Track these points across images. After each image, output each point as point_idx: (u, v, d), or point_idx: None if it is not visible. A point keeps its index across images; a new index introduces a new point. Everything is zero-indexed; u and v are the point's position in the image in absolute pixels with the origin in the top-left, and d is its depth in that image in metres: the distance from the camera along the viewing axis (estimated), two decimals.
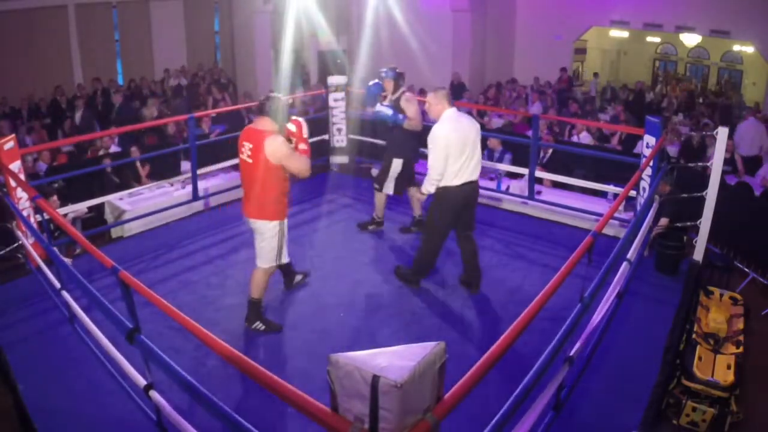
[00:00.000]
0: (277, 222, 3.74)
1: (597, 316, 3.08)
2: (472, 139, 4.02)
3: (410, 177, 5.22)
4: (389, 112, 4.99)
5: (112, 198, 6.03)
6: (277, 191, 3.67)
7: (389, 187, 5.15)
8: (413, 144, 5.18)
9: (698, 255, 4.61)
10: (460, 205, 4.12)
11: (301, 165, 3.64)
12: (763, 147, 8.47)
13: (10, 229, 4.70)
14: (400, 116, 4.97)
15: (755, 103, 11.08)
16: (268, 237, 3.76)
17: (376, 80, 5.22)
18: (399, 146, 5.12)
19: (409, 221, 5.52)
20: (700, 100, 13.04)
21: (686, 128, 9.87)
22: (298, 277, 4.48)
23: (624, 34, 14.67)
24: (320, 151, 7.16)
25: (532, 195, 5.85)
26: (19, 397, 3.15)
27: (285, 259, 3.91)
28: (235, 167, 6.94)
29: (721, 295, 4.52)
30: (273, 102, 3.59)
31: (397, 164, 5.10)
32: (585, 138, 8.27)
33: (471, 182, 4.11)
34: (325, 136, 6.93)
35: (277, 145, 3.53)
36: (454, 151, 3.94)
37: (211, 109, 10.06)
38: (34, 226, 4.27)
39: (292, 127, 3.77)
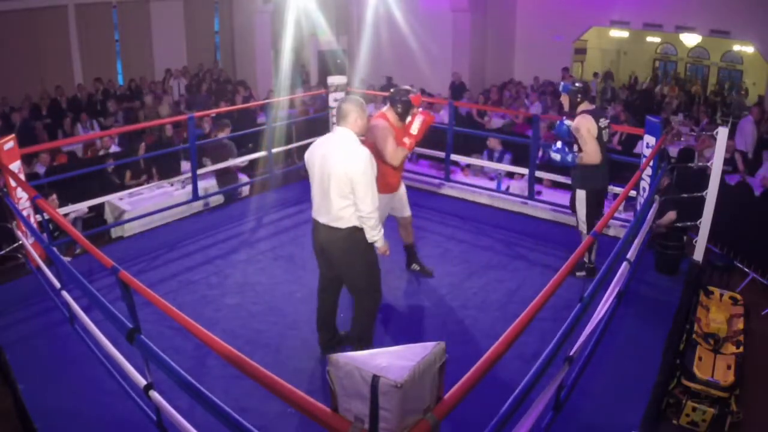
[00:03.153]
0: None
1: (597, 316, 3.08)
2: (326, 172, 3.12)
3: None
4: (558, 157, 4.33)
5: (112, 198, 6.03)
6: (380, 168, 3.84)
7: (582, 227, 4.46)
8: (597, 173, 4.36)
9: (698, 255, 4.61)
10: (316, 246, 3.38)
11: (389, 152, 3.85)
12: (748, 144, 8.68)
13: (10, 229, 4.70)
14: (569, 156, 4.28)
15: (756, 103, 11.07)
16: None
17: (564, 119, 4.34)
18: (578, 176, 4.47)
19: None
20: (699, 100, 13.04)
21: (686, 128, 9.88)
22: (414, 266, 4.63)
23: (624, 34, 14.67)
24: None
25: (532, 195, 5.85)
26: (19, 397, 3.17)
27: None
28: (236, 167, 6.99)
29: (721, 295, 4.52)
30: (396, 93, 3.98)
31: (580, 196, 4.44)
32: None
33: (321, 224, 3.25)
34: None
35: (373, 125, 3.83)
36: (311, 177, 3.26)
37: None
38: (34, 226, 4.27)
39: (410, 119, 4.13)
